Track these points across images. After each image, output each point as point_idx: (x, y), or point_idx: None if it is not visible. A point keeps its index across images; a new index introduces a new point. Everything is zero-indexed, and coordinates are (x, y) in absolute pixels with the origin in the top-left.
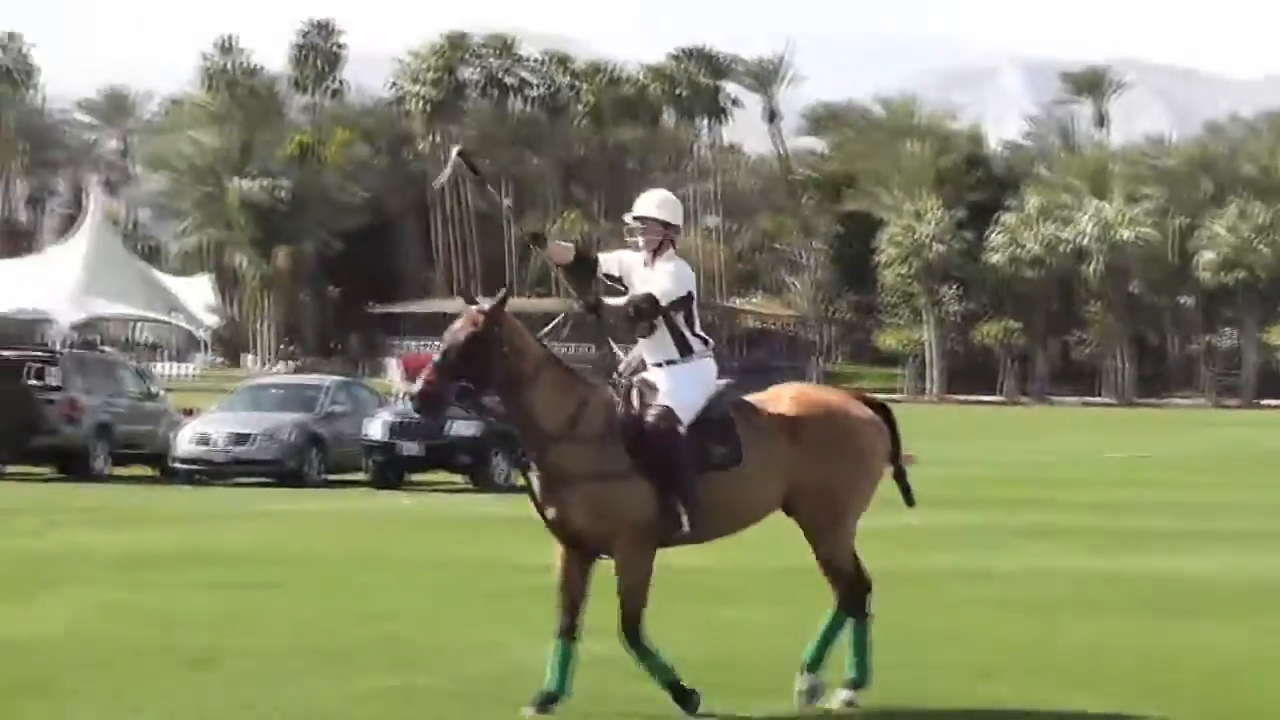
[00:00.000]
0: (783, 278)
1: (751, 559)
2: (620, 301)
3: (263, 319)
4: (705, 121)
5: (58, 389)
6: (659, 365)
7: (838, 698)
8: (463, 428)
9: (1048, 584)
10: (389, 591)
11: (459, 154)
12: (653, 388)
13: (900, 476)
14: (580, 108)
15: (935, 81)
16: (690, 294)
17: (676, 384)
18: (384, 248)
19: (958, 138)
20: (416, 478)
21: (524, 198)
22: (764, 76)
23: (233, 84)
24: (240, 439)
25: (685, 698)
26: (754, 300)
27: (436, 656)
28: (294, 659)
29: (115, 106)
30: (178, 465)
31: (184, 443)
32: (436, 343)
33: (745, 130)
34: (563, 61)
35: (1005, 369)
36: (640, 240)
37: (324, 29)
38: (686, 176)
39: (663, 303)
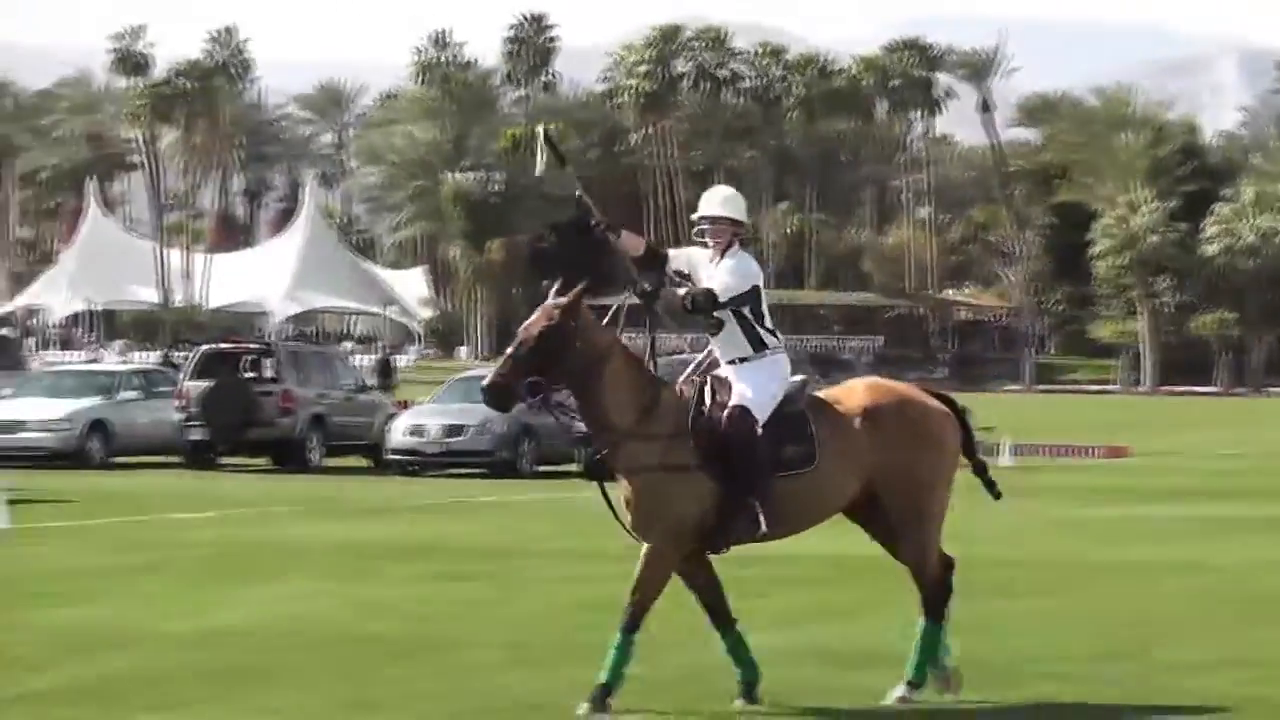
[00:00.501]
0: (995, 269)
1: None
2: (679, 292)
3: (476, 311)
4: (918, 113)
5: (273, 381)
6: (731, 363)
7: (893, 694)
8: None
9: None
10: (601, 583)
11: (545, 135)
12: (726, 385)
13: (981, 471)
14: (792, 100)
15: (1149, 71)
16: (756, 289)
17: (750, 382)
18: (597, 240)
19: (1172, 128)
20: None
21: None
22: (977, 67)
23: (446, 78)
24: (453, 430)
25: (603, 701)
26: (966, 291)
27: (652, 647)
28: (502, 650)
29: (331, 101)
30: (391, 457)
31: (398, 434)
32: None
33: (958, 121)
34: (775, 54)
35: (1220, 360)
36: (709, 240)
37: (536, 23)
38: (898, 168)
39: (721, 298)
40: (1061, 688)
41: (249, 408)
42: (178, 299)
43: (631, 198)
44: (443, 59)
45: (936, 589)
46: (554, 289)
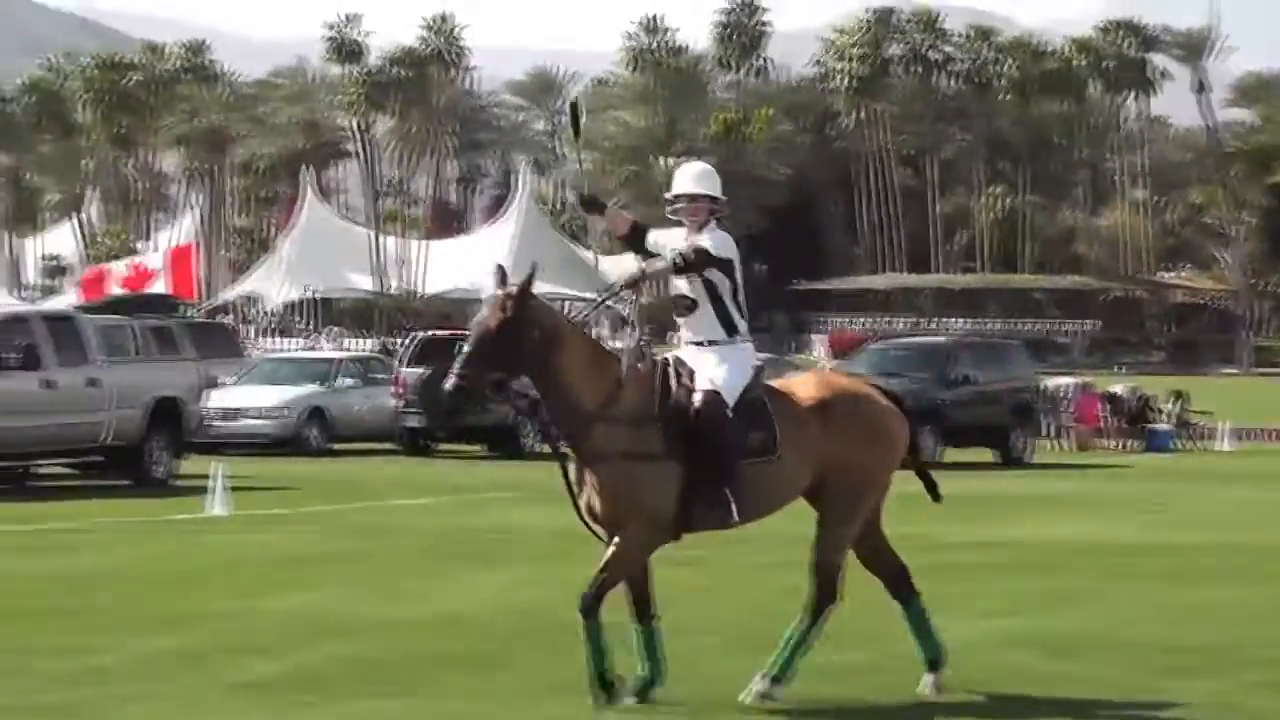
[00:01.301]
0: (1212, 251)
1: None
2: (663, 262)
3: None
4: (1132, 94)
5: None
6: (700, 344)
7: (753, 689)
8: None
9: None
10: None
11: (571, 106)
12: (687, 368)
13: (924, 473)
14: (1004, 82)
15: None
16: (733, 265)
17: (720, 366)
18: (808, 224)
19: None
20: None
21: (948, 173)
22: (1193, 47)
23: (658, 64)
24: None
25: (609, 687)
26: (1182, 274)
27: (868, 636)
28: (721, 636)
29: (543, 88)
30: None
31: None
32: (861, 318)
33: (1173, 102)
34: (987, 35)
35: None
36: (685, 219)
37: (748, 7)
38: (1112, 150)
39: (713, 253)
40: None
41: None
42: (393, 286)
43: (843, 182)
44: (654, 45)
45: (828, 588)
46: (496, 278)
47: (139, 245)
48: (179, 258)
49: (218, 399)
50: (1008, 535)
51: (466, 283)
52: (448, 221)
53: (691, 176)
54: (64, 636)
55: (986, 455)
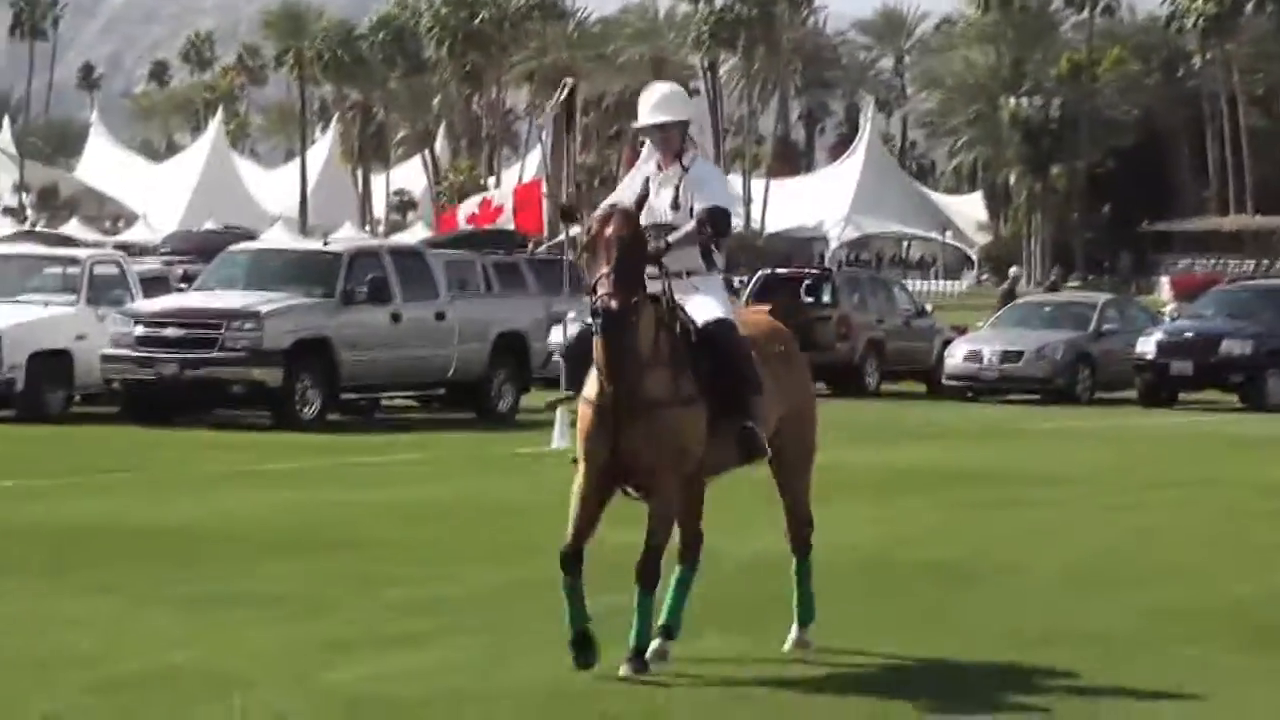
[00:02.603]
0: None
1: None
2: (685, 230)
3: (1033, 237)
4: None
5: (831, 306)
6: (678, 276)
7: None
8: (1234, 346)
9: None
10: (1154, 510)
11: (570, 89)
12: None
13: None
14: None
15: None
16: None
17: (709, 296)
18: (1156, 166)
19: None
20: (1187, 396)
21: None
22: None
23: (1006, 3)
24: (1011, 356)
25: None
26: None
27: (1201, 576)
28: (1060, 575)
29: (891, 26)
30: (948, 382)
31: (954, 360)
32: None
33: None
34: None
35: None
36: (660, 150)
37: None
38: None
39: (736, 208)
40: None
41: (807, 332)
42: (736, 224)
43: (1194, 123)
44: None
45: (808, 533)
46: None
47: (487, 182)
48: (526, 194)
49: (560, 334)
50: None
51: (808, 221)
52: (792, 160)
53: (655, 105)
54: (406, 567)
55: None
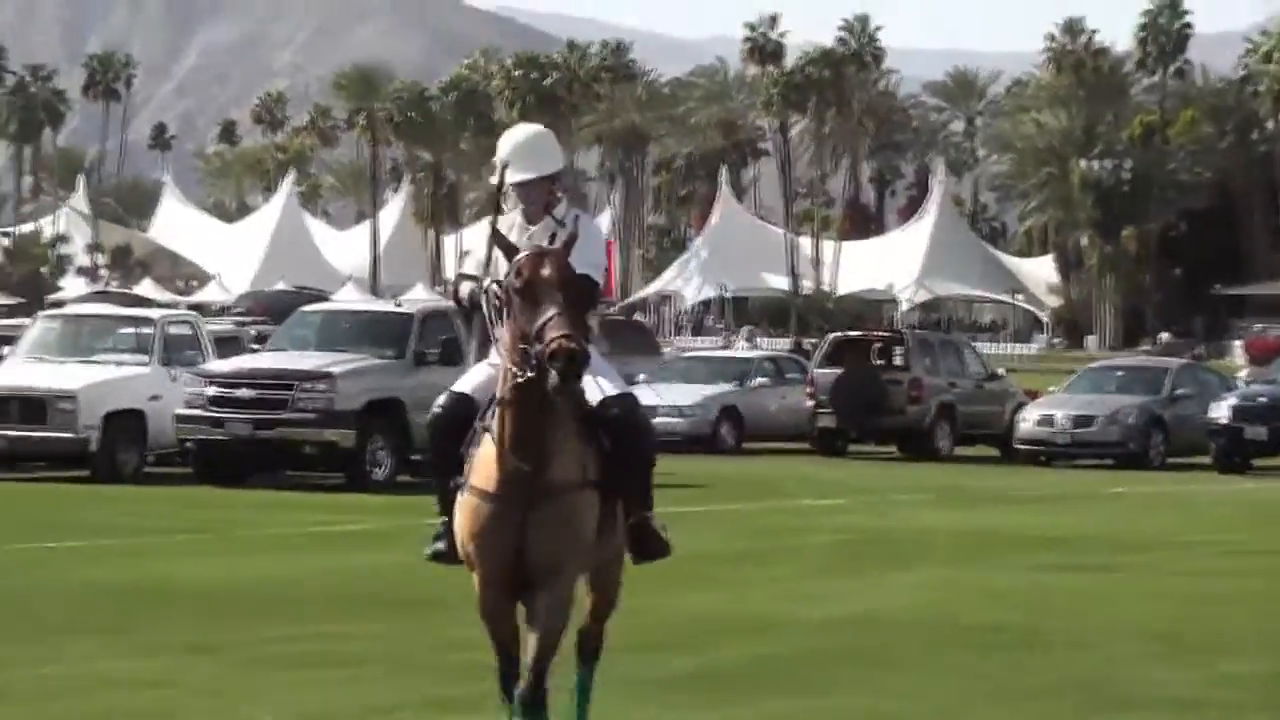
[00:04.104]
0: None
1: None
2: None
3: (1105, 300)
4: None
5: (903, 369)
6: None
7: None
8: None
9: None
10: (1225, 577)
11: (502, 168)
12: None
13: None
14: None
15: None
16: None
17: (601, 363)
18: (1228, 228)
19: None
20: (1261, 462)
21: None
22: None
23: (1079, 65)
24: (1083, 421)
25: None
26: None
27: (1272, 642)
28: (1128, 643)
29: (962, 89)
30: (1020, 446)
31: (1027, 424)
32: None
33: None
34: None
35: None
36: (524, 207)
37: (1171, 8)
38: None
39: (596, 277)
40: None
41: (878, 396)
42: (807, 286)
43: (1267, 186)
44: (1075, 46)
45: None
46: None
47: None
48: None
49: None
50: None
51: (879, 283)
52: (863, 222)
53: (519, 162)
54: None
55: None
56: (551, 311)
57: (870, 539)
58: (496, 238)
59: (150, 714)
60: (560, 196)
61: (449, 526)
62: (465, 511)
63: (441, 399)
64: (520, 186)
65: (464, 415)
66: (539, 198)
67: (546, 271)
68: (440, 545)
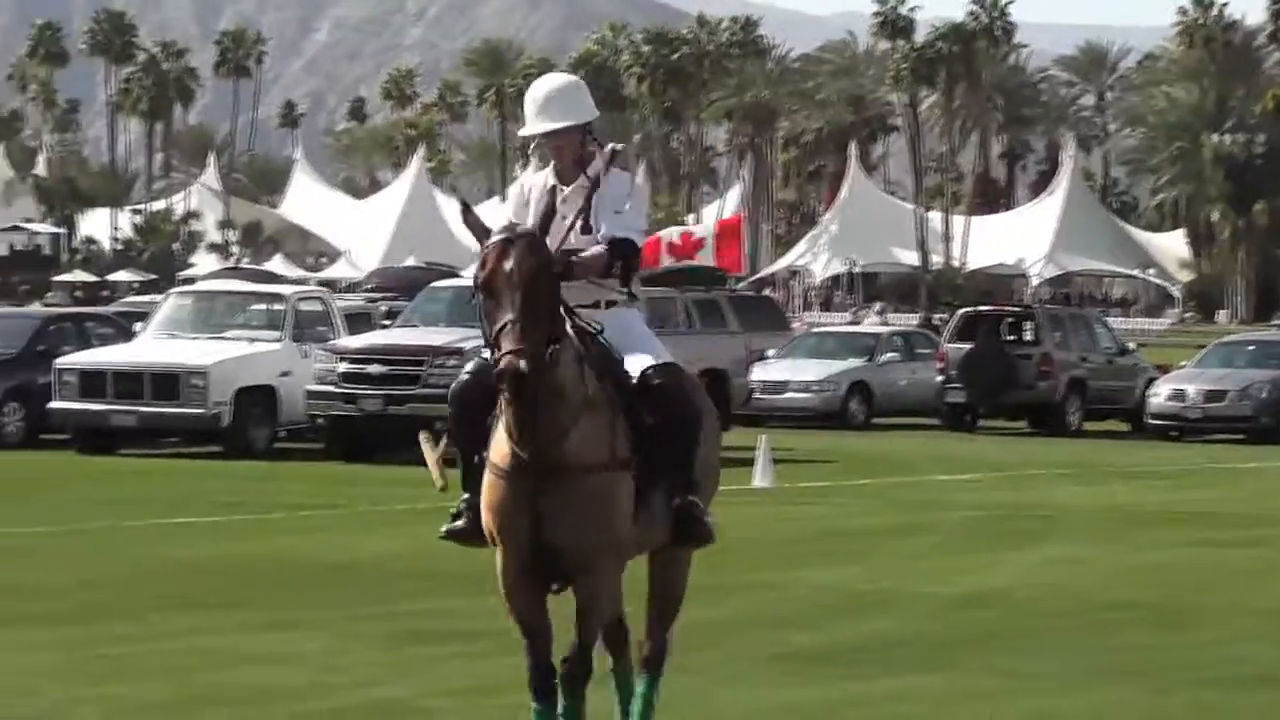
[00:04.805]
0: None
1: None
2: (594, 251)
3: (1236, 274)
4: None
5: (1033, 344)
6: (594, 307)
7: None
8: None
9: None
10: None
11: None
12: (596, 336)
13: None
14: None
15: None
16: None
17: (640, 332)
18: None
19: None
20: None
21: None
22: None
23: (1210, 39)
24: (1214, 396)
25: None
26: None
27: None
28: (1253, 621)
29: (1093, 63)
30: (1151, 421)
31: (1158, 399)
32: None
33: None
34: None
35: None
36: (554, 160)
37: None
38: None
39: (639, 242)
40: None
41: (1008, 371)
42: (936, 261)
43: None
44: (1206, 20)
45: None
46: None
47: (685, 218)
48: (727, 230)
49: (763, 372)
50: None
51: (1008, 258)
52: (992, 196)
53: (541, 108)
54: None
55: None
56: (505, 318)
57: (1004, 515)
58: (467, 216)
59: (283, 688)
60: (593, 151)
61: (471, 503)
62: (485, 487)
63: (469, 366)
64: (549, 137)
65: (490, 385)
66: (570, 152)
67: (508, 265)
68: (459, 524)
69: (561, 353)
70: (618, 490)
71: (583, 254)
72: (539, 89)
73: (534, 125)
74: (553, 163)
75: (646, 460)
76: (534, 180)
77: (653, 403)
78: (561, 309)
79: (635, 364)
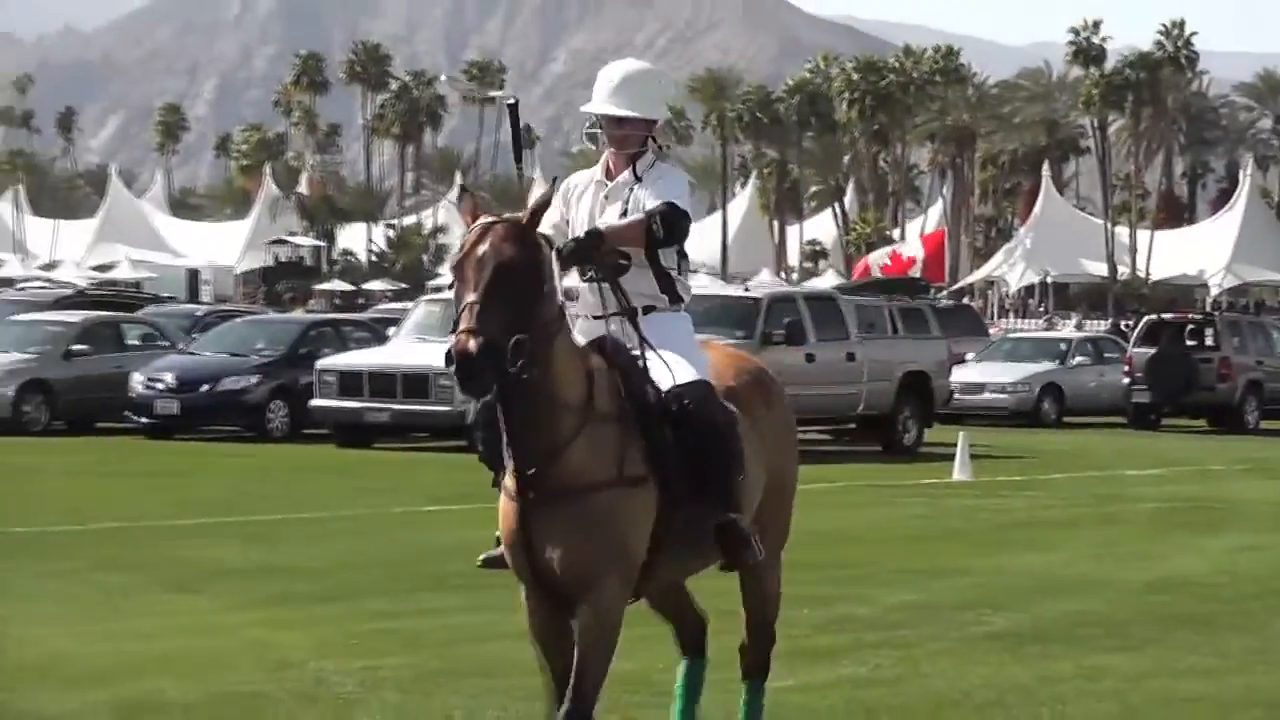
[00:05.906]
0: None
1: None
2: (628, 220)
3: None
4: None
5: (1213, 349)
6: (631, 314)
7: None
8: None
9: None
10: None
11: (510, 108)
12: (624, 347)
13: None
14: None
15: None
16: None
17: (681, 343)
18: None
19: None
20: None
21: None
22: None
23: None
24: None
25: None
26: None
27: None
28: None
29: (1270, 89)
30: None
31: None
32: None
33: None
34: None
35: None
36: (610, 150)
37: None
38: None
39: (682, 204)
40: None
41: (1190, 374)
42: (1123, 272)
43: None
44: None
45: (772, 637)
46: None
47: (892, 233)
48: (932, 243)
49: (962, 374)
50: None
51: (1190, 270)
52: (1176, 213)
53: (616, 89)
54: (819, 587)
55: None
56: (469, 298)
57: (1188, 506)
58: (463, 200)
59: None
60: (651, 152)
61: None
62: (501, 514)
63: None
64: (614, 122)
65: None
66: (632, 143)
67: (481, 249)
68: (496, 550)
69: (554, 353)
70: (621, 510)
71: (614, 223)
72: (616, 69)
73: (601, 105)
74: (603, 158)
75: (680, 480)
76: (579, 179)
77: (678, 425)
78: (560, 309)
79: (666, 379)
